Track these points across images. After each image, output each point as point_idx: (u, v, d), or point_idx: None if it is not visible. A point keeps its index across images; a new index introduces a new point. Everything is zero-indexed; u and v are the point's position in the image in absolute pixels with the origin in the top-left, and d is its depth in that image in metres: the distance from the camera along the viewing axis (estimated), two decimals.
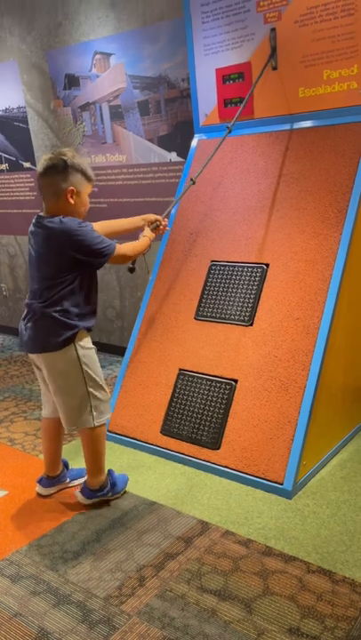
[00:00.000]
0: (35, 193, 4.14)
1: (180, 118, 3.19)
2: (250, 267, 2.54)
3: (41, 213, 2.04)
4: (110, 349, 4.02)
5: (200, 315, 2.62)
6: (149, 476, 2.39)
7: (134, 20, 3.18)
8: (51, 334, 1.99)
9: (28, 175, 4.13)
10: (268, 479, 2.20)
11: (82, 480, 2.32)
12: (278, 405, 2.26)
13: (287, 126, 2.61)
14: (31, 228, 2.04)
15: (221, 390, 2.43)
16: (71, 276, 1.97)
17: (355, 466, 2.33)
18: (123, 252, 2.05)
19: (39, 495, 2.30)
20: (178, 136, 3.23)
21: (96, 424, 2.10)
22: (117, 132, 3.50)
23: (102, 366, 3.78)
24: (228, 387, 2.42)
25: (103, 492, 2.18)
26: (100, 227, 2.22)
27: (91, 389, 2.07)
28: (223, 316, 2.54)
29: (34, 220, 2.03)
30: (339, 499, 2.12)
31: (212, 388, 2.46)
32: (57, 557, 1.93)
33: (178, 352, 2.64)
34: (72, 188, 1.96)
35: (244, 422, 2.33)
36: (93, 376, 2.07)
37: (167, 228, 2.46)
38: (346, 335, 2.38)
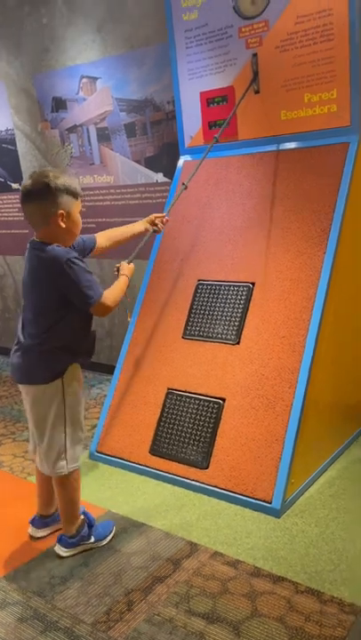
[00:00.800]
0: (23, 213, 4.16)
1: (166, 140, 3.24)
2: (236, 286, 2.57)
3: (34, 238, 1.91)
4: (99, 368, 4.02)
5: (188, 334, 2.63)
6: (138, 497, 2.38)
7: (120, 45, 3.24)
8: (36, 366, 1.89)
9: (17, 196, 4.15)
10: (257, 498, 2.20)
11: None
12: (266, 423, 2.27)
13: (271, 148, 2.66)
14: (26, 253, 1.93)
15: (209, 409, 2.44)
16: (62, 310, 1.86)
17: (343, 483, 2.34)
18: (106, 304, 1.88)
19: (32, 538, 2.12)
20: (164, 157, 3.28)
21: (69, 469, 1.97)
22: (105, 153, 3.55)
23: (91, 385, 3.78)
24: (216, 405, 2.43)
25: (83, 538, 2.01)
26: (105, 238, 2.21)
27: (68, 430, 1.94)
28: (211, 334, 2.55)
29: (29, 245, 1.91)
30: (327, 517, 2.13)
31: (201, 407, 2.46)
32: (44, 583, 1.90)
33: (166, 371, 2.64)
34: (61, 211, 1.82)
35: (232, 441, 2.33)
36: (74, 416, 1.95)
37: (167, 219, 2.44)
38: (332, 353, 2.40)
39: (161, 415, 2.57)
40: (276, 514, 2.15)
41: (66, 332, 1.88)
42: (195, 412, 2.48)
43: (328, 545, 1.96)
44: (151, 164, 3.35)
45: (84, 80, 3.47)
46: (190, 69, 2.82)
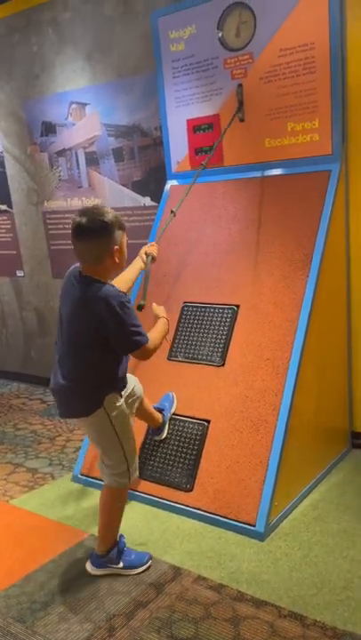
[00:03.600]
0: (11, 234, 4.19)
1: (153, 164, 3.30)
2: (221, 308, 2.60)
3: (79, 270, 1.88)
4: None
5: (173, 355, 2.65)
6: (122, 521, 2.35)
7: (109, 73, 3.32)
8: (76, 402, 1.90)
9: (5, 217, 4.18)
10: (241, 521, 2.19)
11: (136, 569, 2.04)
12: (250, 446, 2.28)
13: (255, 174, 2.72)
14: (67, 284, 1.91)
15: (194, 431, 2.44)
16: (101, 348, 1.84)
17: (327, 506, 2.34)
18: (150, 349, 1.88)
19: (88, 574, 2.02)
20: (151, 181, 3.33)
21: (123, 484, 2.00)
22: (93, 176, 3.60)
23: None
24: (200, 427, 2.43)
25: (111, 560, 2.00)
26: (120, 284, 2.09)
27: (125, 446, 1.96)
28: (196, 356, 2.57)
29: (74, 278, 1.88)
30: (311, 540, 2.12)
31: (185, 429, 2.47)
32: (25, 608, 1.87)
33: (151, 393, 2.64)
34: (117, 247, 1.82)
35: (216, 463, 2.33)
36: (126, 435, 1.96)
37: (155, 245, 2.42)
38: (315, 375, 2.43)
39: (145, 437, 2.56)
40: (260, 537, 2.14)
41: (102, 369, 1.88)
42: (179, 433, 2.48)
43: (311, 568, 1.96)
44: (139, 187, 3.40)
45: (74, 106, 3.54)
46: (177, 97, 2.89)
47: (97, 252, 1.82)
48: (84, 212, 1.83)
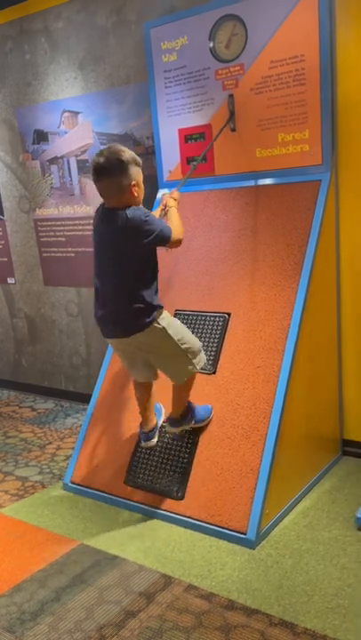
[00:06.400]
0: (3, 241, 4.18)
1: (146, 173, 3.29)
2: (212, 316, 2.61)
3: (104, 205, 2.12)
4: (76, 397, 3.99)
5: None
6: (112, 529, 2.35)
7: (102, 82, 3.35)
8: (136, 319, 2.12)
9: None
10: (232, 529, 2.19)
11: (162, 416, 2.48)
12: (241, 453, 2.28)
13: (247, 183, 2.75)
14: (98, 221, 2.14)
15: (185, 438, 2.44)
16: (146, 265, 2.11)
17: (317, 514, 2.35)
18: (178, 238, 2.18)
19: (147, 448, 2.46)
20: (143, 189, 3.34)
21: (194, 370, 2.28)
22: (84, 184, 3.61)
23: (67, 415, 3.75)
24: (191, 435, 2.43)
25: (185, 419, 2.32)
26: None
27: (185, 346, 2.22)
28: None
29: (103, 215, 2.11)
30: (301, 548, 2.13)
31: (176, 437, 2.46)
32: (14, 618, 1.86)
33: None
34: (134, 182, 2.04)
35: (207, 471, 2.33)
36: (183, 337, 2.23)
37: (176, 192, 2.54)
38: (305, 383, 2.44)
39: (136, 445, 2.56)
40: (251, 545, 2.14)
41: (149, 283, 2.13)
42: (171, 441, 2.47)
43: (302, 576, 1.96)
44: None
45: (66, 114, 3.56)
46: (169, 107, 2.92)
47: (117, 187, 2.02)
48: (101, 152, 2.03)
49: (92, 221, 3.66)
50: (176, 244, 2.18)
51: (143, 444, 2.45)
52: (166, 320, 2.20)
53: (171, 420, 2.37)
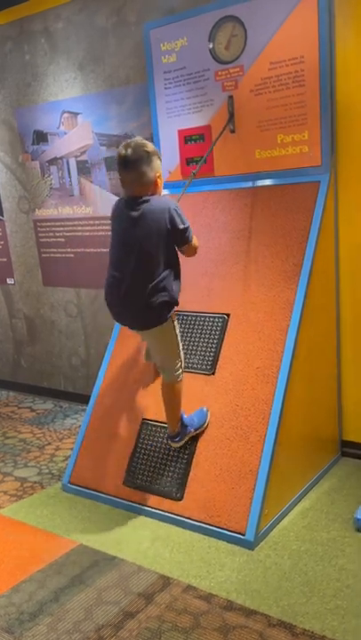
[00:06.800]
0: (2, 242, 4.18)
1: None
2: (211, 317, 2.61)
3: (126, 196, 2.17)
4: (75, 398, 3.99)
5: None
6: (111, 530, 2.35)
7: (101, 83, 3.35)
8: (155, 315, 2.20)
9: None
10: (231, 530, 2.19)
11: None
12: (240, 454, 2.28)
13: (246, 184, 2.75)
14: (121, 215, 2.17)
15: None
16: (170, 256, 2.16)
17: (316, 514, 2.35)
18: (195, 244, 2.24)
19: (175, 448, 2.43)
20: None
21: (181, 378, 2.35)
22: (84, 185, 3.61)
23: (66, 415, 3.75)
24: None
25: (183, 431, 2.35)
26: None
27: (178, 350, 2.32)
28: (186, 364, 2.57)
29: (125, 207, 2.15)
30: (300, 548, 2.13)
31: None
32: (13, 619, 1.86)
33: (142, 401, 2.65)
34: (159, 173, 2.14)
35: (206, 472, 2.33)
36: (180, 342, 2.34)
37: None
38: (305, 384, 2.45)
39: (135, 446, 2.56)
40: (250, 546, 2.14)
41: (172, 275, 2.18)
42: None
43: (301, 577, 1.96)
44: None
45: (66, 115, 3.56)
46: (169, 108, 2.92)
47: (144, 178, 2.11)
48: (127, 145, 2.11)
49: (91, 222, 3.71)
50: (193, 250, 2.25)
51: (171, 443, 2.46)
52: (176, 321, 2.30)
53: (170, 438, 2.41)
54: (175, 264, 2.22)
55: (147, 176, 2.11)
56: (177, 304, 2.24)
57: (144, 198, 2.13)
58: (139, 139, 2.15)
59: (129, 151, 2.09)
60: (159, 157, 2.17)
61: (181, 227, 2.14)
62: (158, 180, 2.16)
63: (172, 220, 2.12)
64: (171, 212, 2.11)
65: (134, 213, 2.13)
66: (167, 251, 2.16)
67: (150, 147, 2.12)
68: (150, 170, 2.11)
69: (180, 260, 2.23)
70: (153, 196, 2.14)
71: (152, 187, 2.14)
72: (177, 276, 2.23)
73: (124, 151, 2.10)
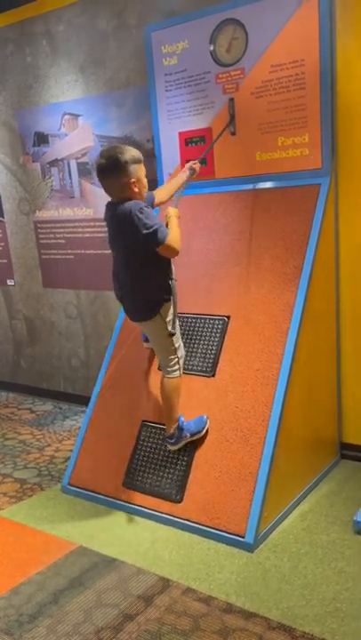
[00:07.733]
0: (2, 243, 4.18)
1: (146, 176, 3.31)
2: (211, 319, 2.61)
3: (111, 200, 2.26)
4: (74, 399, 3.99)
5: None
6: (110, 532, 2.35)
7: (102, 85, 3.35)
8: (144, 309, 2.29)
9: None
10: (230, 532, 2.19)
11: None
12: (240, 457, 2.28)
13: (247, 187, 2.75)
14: (106, 216, 2.29)
15: None
16: (150, 256, 2.18)
17: (315, 517, 2.35)
18: (172, 245, 2.19)
19: (173, 451, 2.44)
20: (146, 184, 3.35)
21: (176, 375, 2.37)
22: (85, 187, 3.62)
23: (66, 417, 3.75)
24: None
25: (181, 434, 2.36)
26: (158, 195, 2.48)
27: (176, 345, 2.35)
28: (186, 366, 2.58)
29: (109, 209, 2.26)
30: (300, 551, 2.13)
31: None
32: (12, 621, 1.85)
33: (141, 403, 2.65)
34: (133, 179, 2.16)
35: (206, 474, 2.33)
36: (177, 341, 2.36)
37: (200, 165, 2.65)
38: (305, 387, 2.45)
39: (135, 447, 2.56)
40: (250, 548, 2.14)
41: (160, 273, 2.25)
42: None
43: (300, 580, 1.96)
44: None
45: (67, 117, 3.56)
46: (169, 111, 2.92)
47: (118, 185, 2.18)
48: (102, 153, 2.19)
49: (91, 223, 3.71)
50: (169, 250, 2.18)
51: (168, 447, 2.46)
52: (170, 317, 2.31)
53: (167, 439, 2.42)
54: (159, 264, 2.24)
55: (120, 183, 2.16)
56: (164, 301, 2.28)
57: (120, 204, 2.19)
58: (115, 147, 2.19)
59: (102, 160, 2.17)
60: (138, 162, 2.18)
61: (144, 231, 2.12)
62: (133, 185, 2.17)
63: (135, 225, 2.14)
64: (132, 217, 2.13)
65: (111, 217, 2.24)
66: (146, 251, 2.18)
67: (128, 154, 2.14)
68: (124, 177, 2.15)
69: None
70: (129, 200, 2.17)
71: (127, 192, 2.18)
72: (163, 275, 2.27)
73: (98, 160, 2.18)
